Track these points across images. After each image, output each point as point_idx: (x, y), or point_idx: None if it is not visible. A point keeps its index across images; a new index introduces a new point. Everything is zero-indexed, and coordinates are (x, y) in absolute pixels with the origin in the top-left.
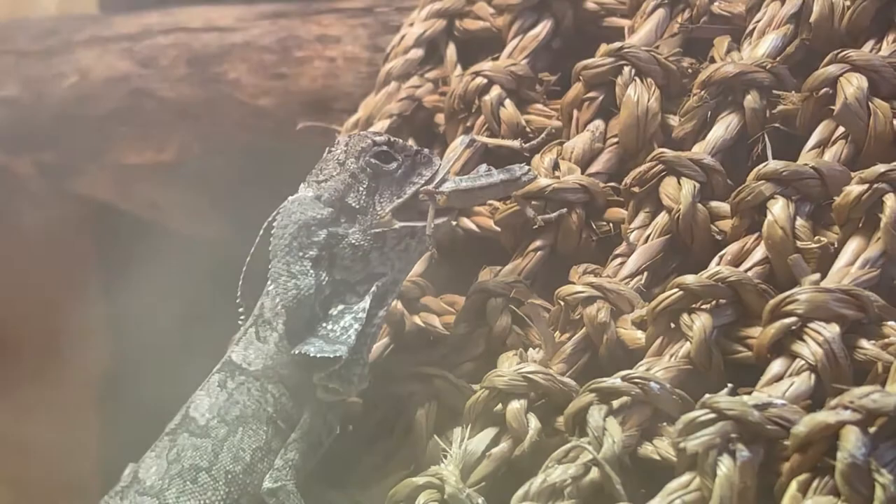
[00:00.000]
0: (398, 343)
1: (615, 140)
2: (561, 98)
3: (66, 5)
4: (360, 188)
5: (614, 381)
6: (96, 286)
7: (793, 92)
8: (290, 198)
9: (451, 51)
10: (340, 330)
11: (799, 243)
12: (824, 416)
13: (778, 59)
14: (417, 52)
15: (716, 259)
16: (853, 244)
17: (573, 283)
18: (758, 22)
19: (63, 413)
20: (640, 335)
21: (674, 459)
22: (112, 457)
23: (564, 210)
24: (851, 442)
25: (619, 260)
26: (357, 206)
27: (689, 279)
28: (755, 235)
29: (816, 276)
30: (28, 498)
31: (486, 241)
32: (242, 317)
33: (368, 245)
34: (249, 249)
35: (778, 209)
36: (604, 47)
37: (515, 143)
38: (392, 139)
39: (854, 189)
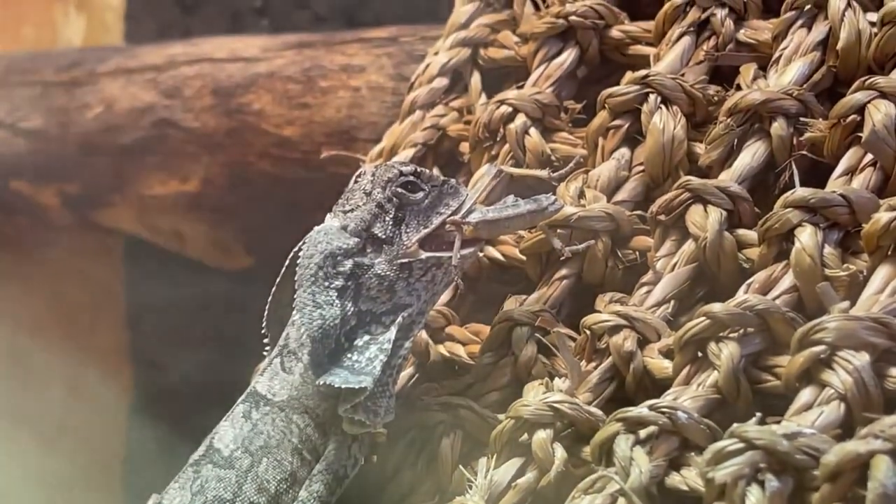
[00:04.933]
0: (423, 373)
1: (641, 168)
2: (586, 126)
3: (92, 36)
4: (387, 218)
5: (641, 410)
6: (121, 316)
7: (820, 119)
8: (316, 228)
9: (475, 79)
10: (366, 361)
11: (827, 271)
12: (854, 446)
13: (805, 86)
14: (442, 81)
15: (743, 287)
16: (882, 272)
17: (599, 312)
18: (784, 49)
19: (88, 441)
20: (667, 364)
21: (702, 490)
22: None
23: (593, 241)
24: (882, 471)
25: (645, 288)
26: (383, 237)
27: (716, 307)
28: (783, 263)
29: (846, 304)
30: None
31: (512, 269)
32: (268, 347)
33: (394, 275)
34: (274, 280)
35: (806, 237)
36: (629, 75)
37: (543, 173)
38: (419, 169)
39: (883, 216)
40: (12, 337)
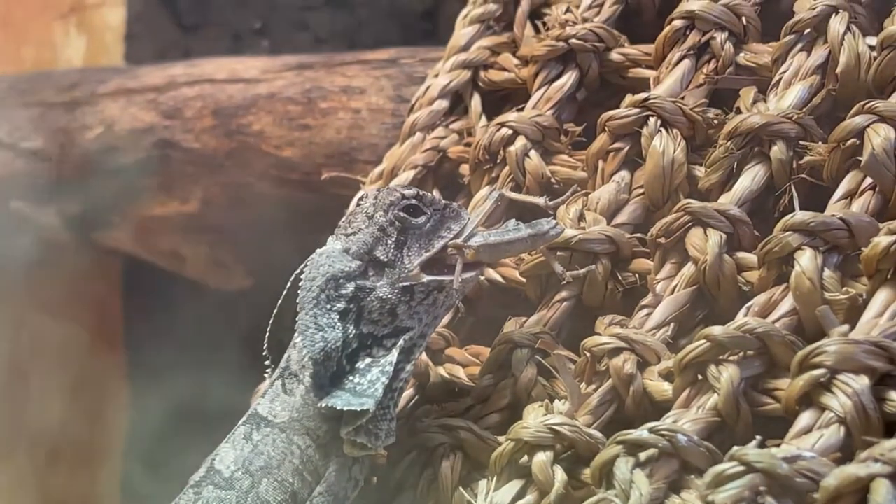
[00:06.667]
0: (423, 394)
1: (641, 191)
2: (586, 149)
3: (92, 57)
4: (389, 241)
5: (641, 433)
6: (121, 337)
7: (819, 143)
8: (318, 250)
9: (475, 102)
10: (367, 383)
11: (827, 294)
12: (854, 469)
13: (804, 109)
14: (442, 104)
15: (743, 310)
16: (882, 295)
17: (599, 335)
18: (784, 73)
19: (86, 461)
20: (666, 387)
21: None
22: None
23: (593, 266)
24: (882, 495)
25: (645, 311)
26: (385, 260)
27: (716, 330)
28: (783, 286)
29: (845, 327)
30: None
31: (512, 292)
32: (269, 369)
33: (396, 299)
34: (274, 301)
35: (806, 260)
36: (629, 98)
37: (540, 200)
38: (421, 193)
39: (882, 240)
40: (11, 356)
